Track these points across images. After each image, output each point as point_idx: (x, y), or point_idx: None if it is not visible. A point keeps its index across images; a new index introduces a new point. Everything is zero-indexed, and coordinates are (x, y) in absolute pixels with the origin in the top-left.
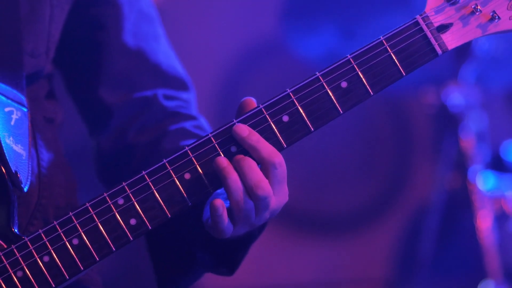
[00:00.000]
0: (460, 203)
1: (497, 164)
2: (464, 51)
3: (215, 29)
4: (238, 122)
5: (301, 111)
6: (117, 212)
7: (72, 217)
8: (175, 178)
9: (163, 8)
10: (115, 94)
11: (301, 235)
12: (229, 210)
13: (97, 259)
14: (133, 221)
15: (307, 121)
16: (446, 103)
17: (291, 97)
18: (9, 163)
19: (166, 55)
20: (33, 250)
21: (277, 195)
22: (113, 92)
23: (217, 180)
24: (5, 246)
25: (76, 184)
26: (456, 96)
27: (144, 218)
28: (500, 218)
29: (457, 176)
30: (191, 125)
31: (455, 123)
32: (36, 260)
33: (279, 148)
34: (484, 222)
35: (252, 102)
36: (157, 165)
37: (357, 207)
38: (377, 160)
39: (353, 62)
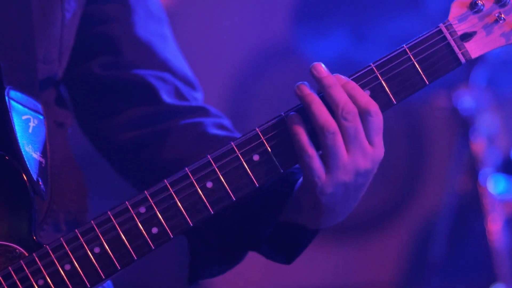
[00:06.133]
0: (471, 206)
1: (508, 168)
2: None
3: (227, 32)
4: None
5: None
6: (139, 221)
7: (94, 225)
8: (198, 188)
9: (174, 11)
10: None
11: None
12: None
13: (119, 267)
14: (155, 230)
15: None
16: (457, 107)
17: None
18: (31, 171)
19: (174, 55)
20: (54, 259)
21: (373, 146)
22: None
23: (240, 189)
24: (26, 254)
25: (87, 189)
26: (467, 100)
27: (166, 227)
28: (511, 221)
29: (468, 179)
30: (228, 123)
31: (466, 126)
32: (57, 268)
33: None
34: (495, 225)
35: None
36: (179, 175)
37: (368, 211)
38: (388, 164)
39: (376, 71)
